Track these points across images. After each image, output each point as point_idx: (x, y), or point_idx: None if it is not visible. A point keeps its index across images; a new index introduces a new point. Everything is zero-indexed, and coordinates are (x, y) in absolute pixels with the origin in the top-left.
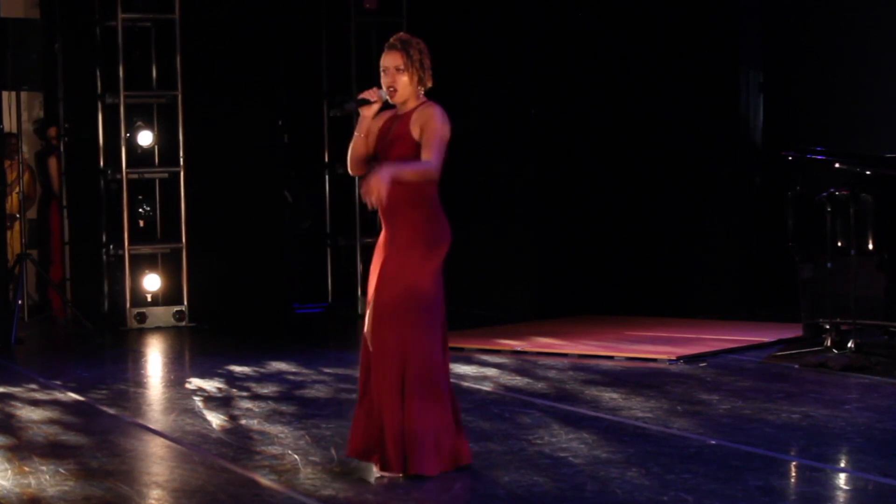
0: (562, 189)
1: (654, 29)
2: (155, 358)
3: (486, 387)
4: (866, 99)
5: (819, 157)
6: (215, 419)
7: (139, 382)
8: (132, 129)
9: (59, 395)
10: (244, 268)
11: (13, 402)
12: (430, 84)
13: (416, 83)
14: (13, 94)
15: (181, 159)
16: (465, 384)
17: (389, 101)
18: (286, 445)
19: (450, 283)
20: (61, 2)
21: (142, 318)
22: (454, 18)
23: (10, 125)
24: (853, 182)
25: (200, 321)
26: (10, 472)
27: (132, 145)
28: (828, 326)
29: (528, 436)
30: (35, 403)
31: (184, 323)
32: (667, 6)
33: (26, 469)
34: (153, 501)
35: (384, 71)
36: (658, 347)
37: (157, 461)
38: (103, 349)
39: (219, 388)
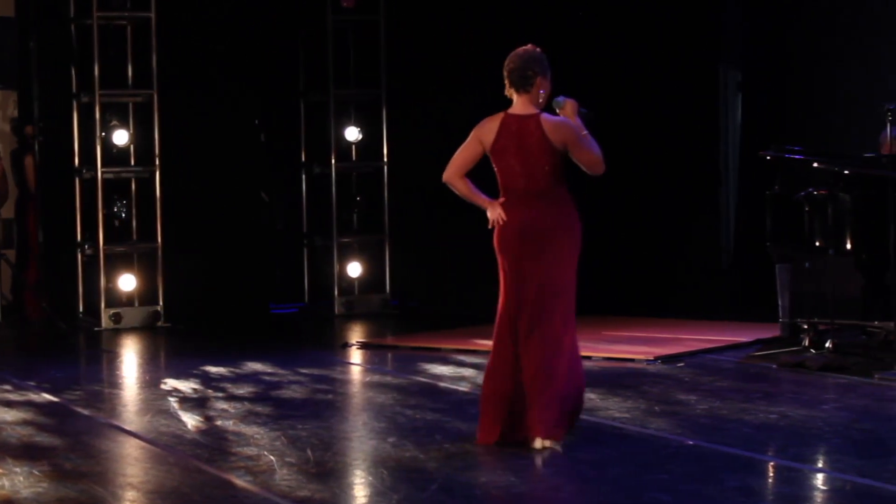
0: None
1: (633, 28)
2: (130, 358)
3: (463, 387)
4: (845, 99)
5: (797, 157)
6: (190, 420)
7: (114, 383)
8: (107, 128)
9: (33, 396)
10: (220, 268)
11: None
12: (507, 93)
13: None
14: None
15: (157, 158)
16: (443, 384)
17: None
18: (262, 446)
19: (430, 283)
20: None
21: (117, 318)
22: (432, 17)
23: None
24: (831, 182)
25: (176, 321)
26: None
27: (107, 144)
28: (806, 326)
29: None
30: (9, 405)
31: (159, 323)
32: (647, 5)
33: (0, 470)
34: (128, 503)
35: None
36: (636, 347)
37: (131, 462)
38: (77, 348)
39: (194, 389)
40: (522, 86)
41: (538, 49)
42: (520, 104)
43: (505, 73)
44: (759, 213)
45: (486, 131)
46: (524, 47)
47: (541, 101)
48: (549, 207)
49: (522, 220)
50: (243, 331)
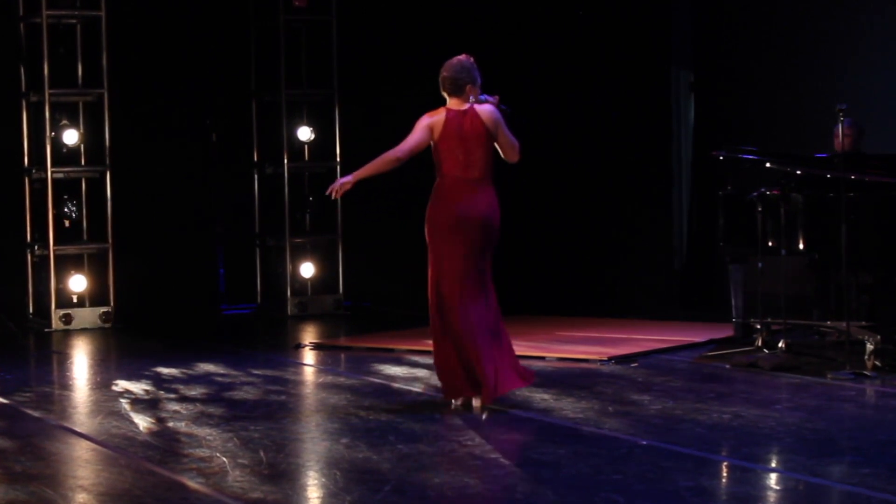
0: None
1: (584, 28)
2: (81, 360)
3: (417, 388)
4: (797, 98)
5: (750, 157)
6: (142, 422)
7: (64, 385)
8: (57, 128)
9: None
10: (172, 268)
11: None
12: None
13: None
14: None
15: (107, 158)
16: (396, 385)
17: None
18: (214, 448)
19: (383, 283)
20: None
21: (67, 319)
22: (384, 17)
23: None
24: (784, 182)
25: (126, 322)
26: None
27: (57, 144)
28: (759, 326)
29: (459, 437)
30: None
31: (110, 324)
32: (598, 5)
33: None
34: None
35: None
36: (589, 348)
37: (82, 465)
38: (26, 350)
39: (146, 391)
40: (454, 91)
41: (471, 59)
42: (454, 103)
43: (440, 79)
44: (711, 213)
45: (436, 122)
46: (458, 57)
47: (471, 100)
48: (482, 195)
49: (458, 205)
50: (195, 331)
